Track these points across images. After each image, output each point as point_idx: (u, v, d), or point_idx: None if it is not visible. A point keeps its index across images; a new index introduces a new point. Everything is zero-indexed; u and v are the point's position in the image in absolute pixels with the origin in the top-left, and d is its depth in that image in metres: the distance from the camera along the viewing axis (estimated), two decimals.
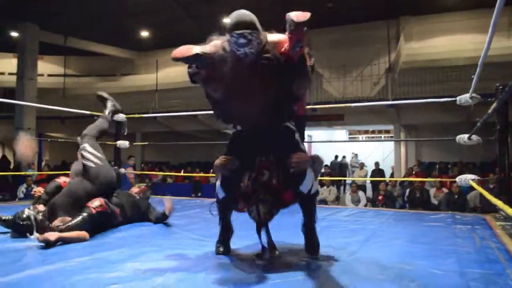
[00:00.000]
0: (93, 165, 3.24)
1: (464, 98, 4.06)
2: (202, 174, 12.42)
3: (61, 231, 2.68)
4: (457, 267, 2.14)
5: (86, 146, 3.39)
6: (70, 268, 2.08)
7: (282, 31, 2.09)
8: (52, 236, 2.54)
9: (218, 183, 2.37)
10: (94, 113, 6.38)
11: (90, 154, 3.31)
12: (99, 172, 3.22)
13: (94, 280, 1.89)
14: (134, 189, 3.71)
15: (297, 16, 1.95)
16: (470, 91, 3.85)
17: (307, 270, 2.08)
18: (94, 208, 2.93)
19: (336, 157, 16.63)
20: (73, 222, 2.78)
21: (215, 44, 2.12)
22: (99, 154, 3.36)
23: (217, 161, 2.29)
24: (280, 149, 2.24)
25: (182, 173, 12.61)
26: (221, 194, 2.34)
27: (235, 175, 2.27)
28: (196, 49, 2.05)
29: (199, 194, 11.11)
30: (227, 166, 2.25)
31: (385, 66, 14.91)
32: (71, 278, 1.89)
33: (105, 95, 4.09)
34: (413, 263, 2.20)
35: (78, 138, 3.59)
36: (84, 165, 3.27)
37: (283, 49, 2.07)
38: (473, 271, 2.05)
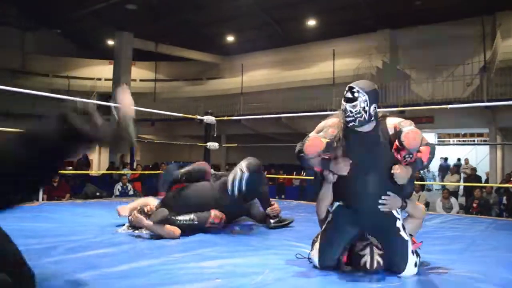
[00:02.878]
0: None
1: None
2: (286, 176, 12.47)
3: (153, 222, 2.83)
4: None
5: None
6: (171, 261, 2.20)
7: None
8: (123, 210, 3.03)
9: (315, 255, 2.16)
10: (181, 115, 6.68)
11: None
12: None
13: (196, 273, 1.98)
14: None
15: (409, 143, 2.01)
16: None
17: (403, 278, 2.01)
18: (210, 224, 2.99)
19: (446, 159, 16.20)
20: (180, 218, 2.93)
21: (333, 124, 2.22)
22: None
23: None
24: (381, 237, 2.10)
25: (266, 175, 12.74)
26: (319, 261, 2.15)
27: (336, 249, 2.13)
28: (323, 139, 2.11)
29: (283, 196, 11.15)
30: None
31: (479, 66, 14.00)
32: (176, 271, 2.00)
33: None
34: None
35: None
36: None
37: (394, 144, 2.12)
38: None
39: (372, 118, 2.13)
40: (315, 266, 2.14)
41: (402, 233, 2.10)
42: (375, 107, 2.13)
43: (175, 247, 2.59)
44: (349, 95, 2.11)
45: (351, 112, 2.09)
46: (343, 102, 2.14)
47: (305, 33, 17.29)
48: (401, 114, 12.50)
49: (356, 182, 2.14)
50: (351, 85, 2.15)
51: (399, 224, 2.13)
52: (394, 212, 2.14)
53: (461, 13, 14.11)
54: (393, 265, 2.04)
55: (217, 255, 2.39)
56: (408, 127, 2.03)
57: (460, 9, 13.83)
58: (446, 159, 16.77)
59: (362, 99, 2.09)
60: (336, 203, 2.23)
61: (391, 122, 2.19)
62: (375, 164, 2.14)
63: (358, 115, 2.09)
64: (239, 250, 2.56)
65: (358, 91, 2.10)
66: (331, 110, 12.75)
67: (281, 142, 15.29)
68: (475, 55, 14.37)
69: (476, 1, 12.82)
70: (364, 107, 2.09)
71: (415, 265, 2.04)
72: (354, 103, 2.08)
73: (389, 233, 2.09)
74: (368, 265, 1.99)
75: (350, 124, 2.12)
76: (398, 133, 2.05)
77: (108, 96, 17.83)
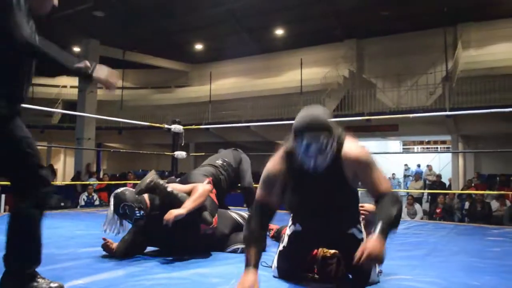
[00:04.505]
0: None
1: None
2: (255, 185, 12.46)
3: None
4: None
5: None
6: (139, 272, 2.19)
7: None
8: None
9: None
10: (148, 123, 6.62)
11: None
12: None
13: (164, 284, 1.98)
14: None
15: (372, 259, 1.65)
16: None
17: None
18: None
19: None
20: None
21: (278, 161, 1.97)
22: None
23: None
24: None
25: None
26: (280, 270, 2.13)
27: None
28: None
29: None
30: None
31: (441, 75, 14.46)
32: (144, 282, 1.99)
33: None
34: (479, 279, 2.14)
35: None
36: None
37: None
38: None
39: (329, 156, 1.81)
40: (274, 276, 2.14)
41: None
42: (332, 141, 1.80)
43: (142, 257, 2.57)
44: (308, 141, 1.76)
45: (313, 162, 1.79)
46: (300, 150, 1.79)
47: (274, 42, 17.44)
48: (367, 122, 12.82)
49: (307, 218, 2.05)
50: (309, 124, 1.76)
51: (359, 236, 2.03)
52: (353, 230, 2.03)
53: (424, 24, 14.56)
54: (355, 274, 2.03)
55: (185, 265, 2.39)
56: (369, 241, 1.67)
57: (424, 20, 14.26)
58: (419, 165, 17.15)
59: (324, 143, 1.76)
60: (293, 227, 2.12)
61: (348, 156, 1.86)
62: (327, 200, 1.94)
63: (320, 163, 1.80)
64: (208, 259, 2.56)
65: (319, 136, 1.75)
66: None
67: (250, 150, 15.29)
68: (437, 65, 14.83)
69: (439, 13, 13.24)
70: (327, 153, 1.79)
71: (378, 275, 2.06)
72: (318, 151, 1.77)
73: (350, 249, 1.86)
74: (333, 273, 2.02)
75: (307, 169, 1.83)
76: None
77: (73, 104, 17.51)
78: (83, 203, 9.69)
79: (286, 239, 2.13)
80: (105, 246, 2.58)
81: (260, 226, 1.91)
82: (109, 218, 2.56)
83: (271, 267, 2.21)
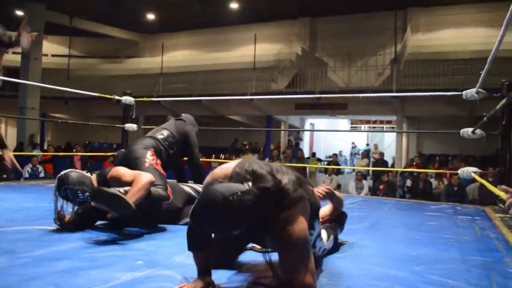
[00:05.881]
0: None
1: (470, 93, 4.12)
2: (205, 159, 12.48)
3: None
4: (459, 254, 2.25)
5: None
6: (93, 245, 2.20)
7: None
8: None
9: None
10: (97, 94, 6.43)
11: None
12: None
13: (118, 255, 2.01)
14: None
15: None
16: (477, 86, 3.93)
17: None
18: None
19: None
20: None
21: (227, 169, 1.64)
22: None
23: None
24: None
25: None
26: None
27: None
28: None
29: None
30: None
31: (390, 57, 14.92)
32: (97, 254, 2.01)
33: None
34: (417, 250, 2.31)
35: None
36: None
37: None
38: (474, 258, 2.16)
39: None
40: None
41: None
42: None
43: (94, 231, 2.57)
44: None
45: None
46: None
47: (228, 16, 17.27)
48: (317, 100, 13.08)
49: None
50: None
51: None
52: None
53: (377, 7, 14.89)
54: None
55: (139, 237, 2.43)
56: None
57: (376, 2, 14.58)
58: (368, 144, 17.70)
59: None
60: None
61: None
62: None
63: None
64: (161, 232, 2.61)
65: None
66: (251, 94, 12.87)
67: (201, 125, 15.25)
68: (387, 47, 15.27)
69: None
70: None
71: (321, 251, 2.01)
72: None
73: None
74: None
75: None
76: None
77: (16, 70, 16.64)
78: (27, 175, 9.37)
79: None
80: (58, 219, 2.55)
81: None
82: (56, 200, 2.52)
83: None
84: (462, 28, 14.65)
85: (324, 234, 2.08)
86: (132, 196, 2.37)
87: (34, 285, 1.56)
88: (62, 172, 2.54)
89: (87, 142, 18.90)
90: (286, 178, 1.50)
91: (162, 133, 3.24)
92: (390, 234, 2.80)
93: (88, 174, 2.61)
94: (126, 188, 2.46)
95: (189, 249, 1.65)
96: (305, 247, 1.46)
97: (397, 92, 11.90)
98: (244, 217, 1.38)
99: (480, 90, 4.01)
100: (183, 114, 3.68)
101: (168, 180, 2.91)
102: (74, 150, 11.55)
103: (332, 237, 2.18)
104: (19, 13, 17.14)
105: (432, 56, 13.50)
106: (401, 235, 2.77)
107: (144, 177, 2.50)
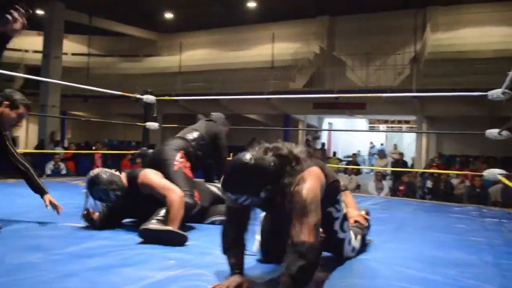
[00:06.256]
0: None
1: (496, 93, 4.04)
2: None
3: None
4: (490, 258, 2.22)
5: None
6: (124, 244, 2.22)
7: None
8: None
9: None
10: (119, 93, 6.46)
11: None
12: None
13: (149, 253, 2.02)
14: None
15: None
16: (503, 86, 3.86)
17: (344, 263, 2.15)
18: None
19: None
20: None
21: None
22: None
23: None
24: None
25: None
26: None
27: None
28: None
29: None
30: None
31: (409, 56, 14.75)
32: (129, 251, 2.03)
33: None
34: (447, 253, 2.29)
35: None
36: None
37: None
38: (507, 263, 2.12)
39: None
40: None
41: (339, 234, 1.97)
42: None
43: (122, 229, 2.60)
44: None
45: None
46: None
47: (246, 14, 17.25)
48: (335, 100, 13.01)
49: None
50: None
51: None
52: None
53: (395, 5, 14.74)
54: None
55: None
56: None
57: (395, 1, 14.43)
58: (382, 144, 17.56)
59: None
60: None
61: (291, 193, 1.64)
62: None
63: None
64: (189, 231, 2.62)
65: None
66: (269, 93, 12.82)
67: None
68: (406, 46, 15.08)
69: None
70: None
71: (352, 250, 2.08)
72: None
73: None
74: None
75: None
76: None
77: (36, 69, 16.89)
78: (49, 172, 9.51)
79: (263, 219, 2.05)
80: (87, 217, 2.58)
81: (237, 231, 1.76)
82: (87, 200, 2.56)
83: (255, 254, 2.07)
84: (482, 26, 14.40)
85: (351, 233, 2.07)
86: (174, 223, 2.36)
87: (71, 282, 1.59)
88: (92, 173, 2.57)
89: (106, 140, 19.11)
90: (298, 149, 1.75)
91: (192, 134, 3.19)
92: (418, 236, 2.77)
93: (117, 173, 2.63)
94: (162, 212, 2.44)
95: (224, 252, 1.74)
96: (310, 205, 1.58)
97: (417, 92, 11.73)
98: (265, 178, 1.59)
99: (506, 90, 3.94)
100: (213, 114, 3.64)
101: (194, 180, 2.92)
102: (94, 148, 11.69)
103: (359, 236, 2.17)
104: (40, 12, 17.39)
105: (453, 55, 13.30)
106: (429, 237, 2.74)
107: (175, 196, 2.45)
